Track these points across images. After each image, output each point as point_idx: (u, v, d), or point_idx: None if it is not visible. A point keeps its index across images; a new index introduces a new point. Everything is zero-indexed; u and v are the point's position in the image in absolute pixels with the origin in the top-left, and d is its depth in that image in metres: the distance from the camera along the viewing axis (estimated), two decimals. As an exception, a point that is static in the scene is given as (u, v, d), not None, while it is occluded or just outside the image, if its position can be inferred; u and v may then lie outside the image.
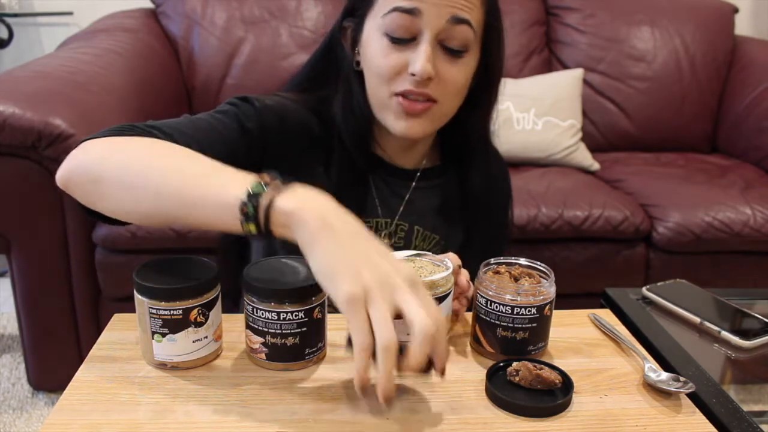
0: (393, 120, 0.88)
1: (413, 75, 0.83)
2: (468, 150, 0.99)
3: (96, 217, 0.77)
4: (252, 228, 0.63)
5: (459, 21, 0.82)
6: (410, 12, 0.81)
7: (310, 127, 0.93)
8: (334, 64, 0.94)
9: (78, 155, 0.74)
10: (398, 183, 0.99)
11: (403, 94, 0.85)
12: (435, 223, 1.00)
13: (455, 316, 0.81)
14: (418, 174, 1.00)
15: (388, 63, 0.84)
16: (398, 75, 0.85)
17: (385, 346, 0.57)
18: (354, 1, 0.90)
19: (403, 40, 0.83)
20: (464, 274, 0.80)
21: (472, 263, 0.92)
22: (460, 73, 0.86)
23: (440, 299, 0.73)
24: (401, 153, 0.97)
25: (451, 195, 1.01)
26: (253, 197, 0.63)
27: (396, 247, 0.97)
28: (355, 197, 0.95)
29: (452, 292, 0.75)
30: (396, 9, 0.82)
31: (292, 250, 0.91)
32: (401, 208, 0.99)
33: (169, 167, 0.70)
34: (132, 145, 0.75)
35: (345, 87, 0.93)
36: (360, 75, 0.91)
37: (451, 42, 0.84)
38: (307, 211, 0.62)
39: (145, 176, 0.70)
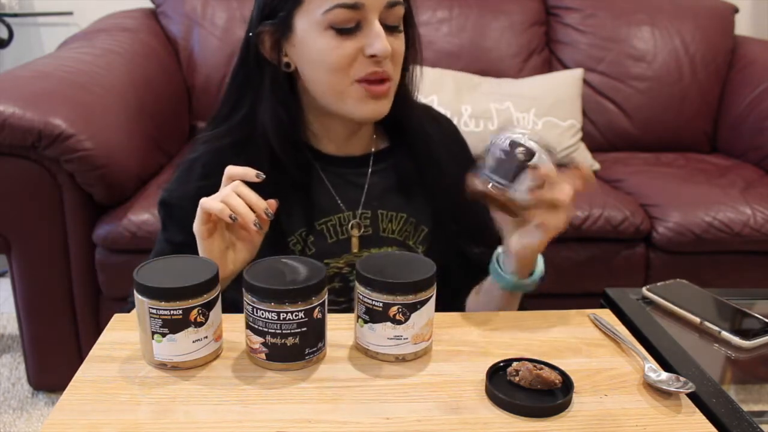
0: (356, 106, 0.89)
1: (373, 56, 0.86)
2: (405, 116, 0.98)
3: None
4: None
5: (394, 4, 0.87)
6: (353, 7, 0.84)
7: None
8: (255, 74, 0.92)
9: None
10: (353, 173, 0.98)
11: (366, 79, 0.87)
12: (398, 201, 0.99)
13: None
14: (372, 158, 0.99)
15: (342, 53, 0.86)
16: (354, 62, 0.87)
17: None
18: (271, 4, 0.89)
19: (350, 30, 0.86)
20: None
21: (451, 240, 0.92)
22: (402, 46, 0.91)
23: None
24: (347, 142, 0.97)
25: (407, 170, 1.00)
26: None
27: (365, 236, 0.96)
28: (311, 202, 0.94)
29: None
30: (338, 6, 0.84)
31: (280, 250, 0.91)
32: (363, 198, 0.98)
33: None
34: None
35: (274, 94, 0.91)
36: (287, 76, 0.92)
37: (390, 20, 0.88)
38: None
39: None
